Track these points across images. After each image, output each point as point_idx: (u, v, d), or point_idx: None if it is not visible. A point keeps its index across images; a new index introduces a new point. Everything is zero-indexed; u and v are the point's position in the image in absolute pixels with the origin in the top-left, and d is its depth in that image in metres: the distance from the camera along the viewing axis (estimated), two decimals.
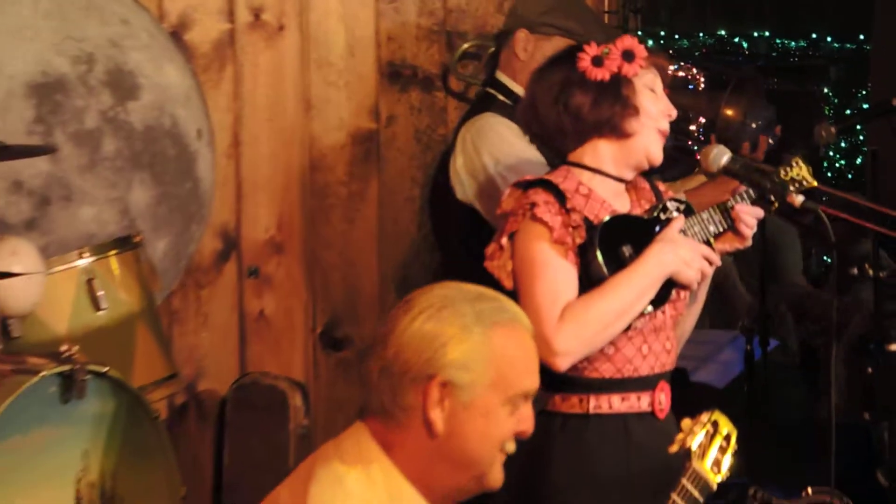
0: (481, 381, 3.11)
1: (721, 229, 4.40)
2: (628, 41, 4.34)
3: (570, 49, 4.45)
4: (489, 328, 3.12)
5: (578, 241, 4.27)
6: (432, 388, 3.10)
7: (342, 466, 3.12)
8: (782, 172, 4.36)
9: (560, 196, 4.29)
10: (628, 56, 4.30)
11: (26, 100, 5.92)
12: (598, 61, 4.30)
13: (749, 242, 4.44)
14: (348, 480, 3.10)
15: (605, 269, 4.26)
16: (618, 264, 4.28)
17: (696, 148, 4.85)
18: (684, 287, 4.39)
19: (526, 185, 4.39)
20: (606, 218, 4.29)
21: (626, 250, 4.28)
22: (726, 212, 4.40)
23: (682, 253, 4.29)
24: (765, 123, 4.87)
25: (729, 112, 4.52)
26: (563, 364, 4.20)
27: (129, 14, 6.10)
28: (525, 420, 3.19)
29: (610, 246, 4.28)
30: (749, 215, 4.37)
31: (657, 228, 4.34)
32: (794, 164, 4.38)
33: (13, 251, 5.22)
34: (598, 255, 4.24)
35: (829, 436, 4.22)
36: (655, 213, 4.37)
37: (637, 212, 4.43)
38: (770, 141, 5.38)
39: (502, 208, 4.44)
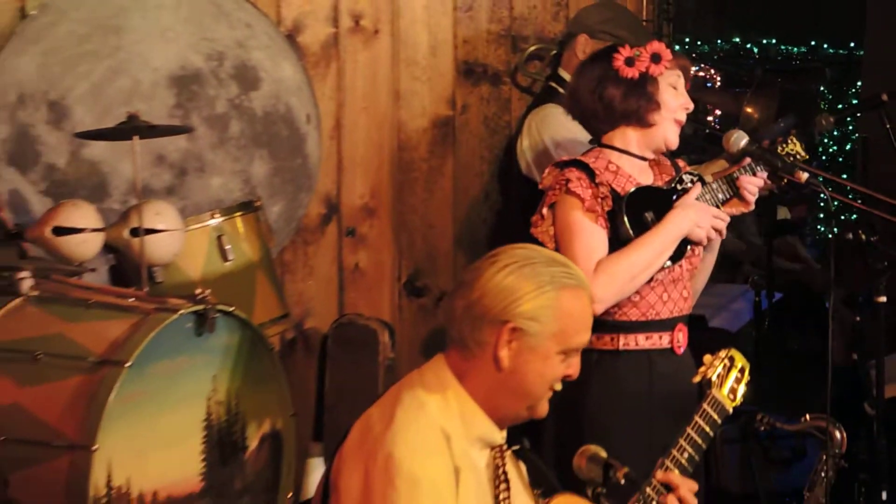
0: (546, 333, 3.09)
1: (728, 196, 4.42)
2: (656, 46, 4.37)
3: (608, 48, 4.46)
4: (559, 289, 3.11)
5: (607, 208, 4.30)
6: (504, 332, 3.08)
7: (424, 392, 3.11)
8: (780, 148, 4.38)
9: (590, 173, 4.31)
10: (655, 58, 4.32)
11: (168, 89, 5.94)
12: (630, 62, 4.32)
13: (752, 207, 4.45)
14: (428, 404, 3.09)
15: (630, 232, 4.29)
16: (642, 227, 4.31)
17: (717, 135, 4.78)
18: (698, 244, 4.41)
19: (563, 165, 4.42)
20: (632, 189, 4.31)
21: (649, 216, 4.31)
22: (732, 182, 4.42)
23: (696, 216, 4.32)
24: (787, 125, 4.83)
25: (749, 110, 4.51)
26: (598, 309, 4.14)
27: (252, 20, 6.10)
28: (574, 367, 3.18)
29: (635, 212, 4.30)
30: (751, 184, 4.40)
31: (675, 197, 4.37)
32: (789, 140, 4.41)
33: (157, 212, 5.24)
34: (626, 219, 4.28)
35: (826, 373, 4.21)
36: (673, 185, 4.40)
37: (658, 184, 4.42)
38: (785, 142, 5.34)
39: (543, 184, 4.46)
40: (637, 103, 4.34)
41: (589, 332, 3.22)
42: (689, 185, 4.39)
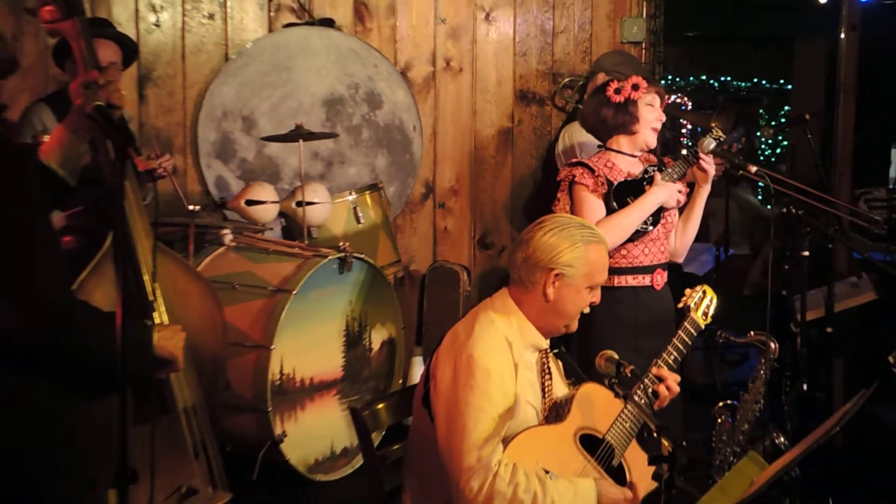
0: (578, 275, 3.08)
1: (683, 172, 4.33)
2: (635, 79, 4.30)
3: (603, 85, 4.40)
4: (587, 245, 3.09)
5: (603, 191, 4.24)
6: (550, 276, 3.07)
7: (493, 313, 3.10)
8: (714, 132, 4.32)
9: (590, 169, 4.26)
10: (635, 87, 4.26)
11: (322, 108, 5.95)
12: (617, 91, 4.27)
13: (713, 172, 4.34)
14: (496, 321, 3.07)
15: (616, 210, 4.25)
16: (624, 206, 4.24)
17: (688, 141, 4.72)
18: (670, 209, 4.34)
19: (571, 165, 4.37)
20: (616, 183, 4.25)
21: (630, 199, 4.24)
22: (684, 164, 4.32)
23: (665, 191, 4.24)
24: (738, 136, 4.78)
25: (713, 124, 4.44)
26: None
27: (378, 62, 6.08)
28: (596, 296, 3.16)
29: (620, 197, 4.24)
30: (704, 161, 4.29)
31: (644, 184, 4.29)
32: (713, 128, 4.34)
33: (314, 190, 5.27)
34: (614, 204, 4.22)
35: (765, 303, 4.17)
36: (642, 176, 4.33)
37: (634, 175, 4.35)
38: (739, 145, 5.28)
39: (559, 177, 4.41)
40: (623, 119, 4.28)
41: (606, 274, 3.21)
42: (652, 173, 4.30)
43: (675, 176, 4.34)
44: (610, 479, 3.09)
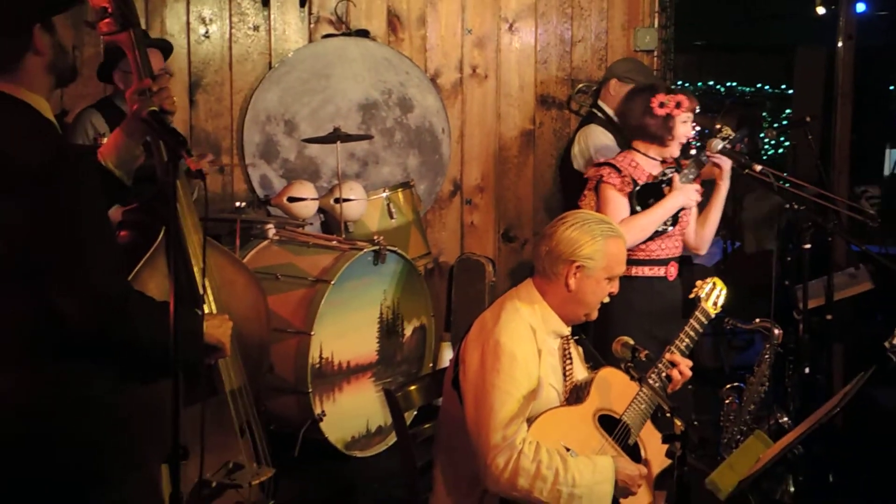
0: (598, 267, 3.05)
1: (697, 172, 4.28)
2: (680, 97, 4.22)
3: (650, 87, 4.34)
4: (606, 239, 3.06)
5: (629, 190, 4.20)
6: (572, 268, 3.04)
7: (518, 302, 3.08)
8: (724, 132, 4.27)
9: (617, 169, 4.23)
10: (678, 105, 4.20)
11: (357, 113, 5.94)
12: (661, 105, 4.21)
13: (727, 167, 4.29)
14: (521, 309, 3.06)
15: (639, 210, 4.22)
16: (646, 206, 4.22)
17: (696, 142, 4.67)
18: (687, 209, 4.31)
19: (598, 165, 4.34)
20: (638, 187, 4.21)
21: (651, 201, 4.20)
22: (697, 162, 4.28)
23: (685, 194, 4.21)
24: (741, 136, 4.72)
25: (718, 126, 4.39)
26: None
27: (409, 69, 6.06)
28: (615, 287, 3.13)
29: (642, 199, 4.20)
30: (717, 158, 4.26)
31: (662, 185, 4.24)
32: (721, 129, 4.29)
33: (351, 188, 5.25)
34: (637, 206, 4.19)
35: (770, 293, 4.14)
36: (661, 178, 4.28)
37: (654, 176, 4.30)
38: (742, 145, 5.23)
39: (587, 175, 4.39)
40: (660, 132, 4.22)
41: (624, 266, 3.18)
42: (670, 175, 4.25)
43: (691, 176, 4.30)
44: (626, 457, 3.06)
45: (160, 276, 2.96)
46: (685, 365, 3.22)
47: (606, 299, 3.16)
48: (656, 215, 4.20)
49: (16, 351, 2.42)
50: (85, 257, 2.38)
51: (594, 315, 3.18)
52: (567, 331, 3.17)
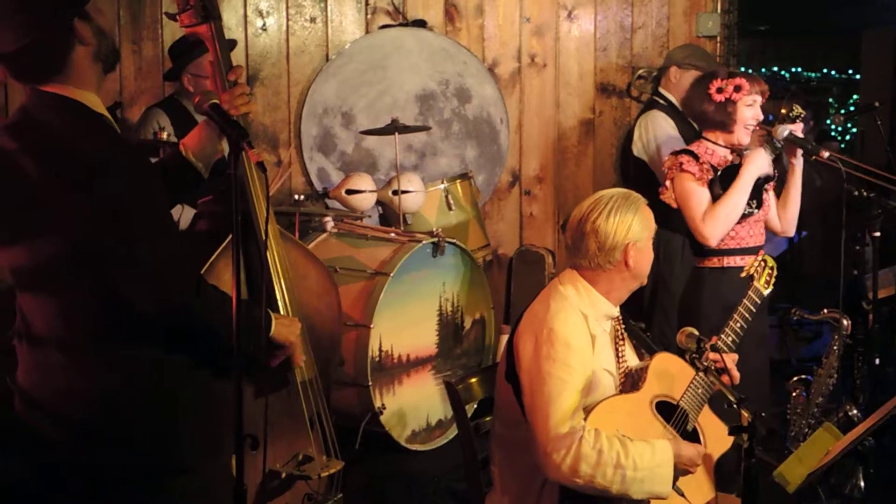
0: (645, 236, 3.07)
1: (773, 154, 4.23)
2: (739, 80, 4.18)
3: (710, 74, 4.31)
4: (638, 208, 3.06)
5: (709, 177, 4.17)
6: (629, 249, 3.04)
7: (564, 289, 3.06)
8: (793, 109, 4.23)
9: (695, 157, 4.19)
10: (737, 89, 4.15)
11: (415, 104, 5.97)
12: (719, 90, 4.17)
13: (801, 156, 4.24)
14: (570, 297, 3.05)
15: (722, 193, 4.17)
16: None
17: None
18: (766, 194, 4.26)
19: (676, 153, 4.29)
20: (720, 170, 4.17)
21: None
22: (772, 146, 4.21)
23: (753, 161, 4.15)
24: (805, 119, 4.66)
25: (784, 110, 4.34)
26: (713, 242, 4.15)
27: (467, 59, 6.07)
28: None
29: (725, 183, 4.15)
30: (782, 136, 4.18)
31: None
32: (794, 106, 4.24)
33: (409, 180, 5.27)
34: (720, 189, 4.14)
35: (839, 282, 4.11)
36: (739, 162, 4.23)
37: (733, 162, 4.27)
38: (807, 127, 5.16)
39: (665, 166, 4.32)
40: (721, 118, 4.19)
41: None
42: (745, 154, 4.19)
43: (770, 154, 4.25)
44: (685, 441, 3.06)
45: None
46: (731, 361, 3.19)
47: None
48: (737, 196, 4.13)
49: (86, 342, 2.49)
50: (147, 248, 2.44)
51: (646, 281, 3.18)
52: (617, 312, 3.18)
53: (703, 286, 4.24)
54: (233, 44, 5.13)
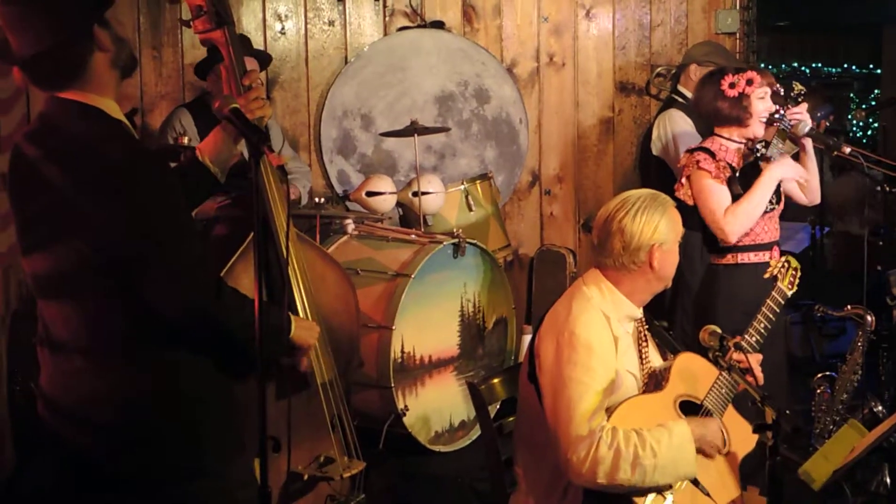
0: (671, 238, 3.04)
1: (784, 138, 4.18)
2: (750, 74, 4.15)
3: (720, 71, 4.28)
4: (665, 209, 3.04)
5: (726, 175, 4.13)
6: (654, 250, 3.03)
7: (587, 290, 3.05)
8: (795, 89, 4.20)
9: (712, 154, 4.16)
10: (749, 82, 4.13)
11: (434, 105, 5.98)
12: (731, 85, 4.14)
13: (806, 118, 4.19)
14: (593, 298, 3.03)
15: (742, 191, 4.12)
16: (748, 186, 4.13)
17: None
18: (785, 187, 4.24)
19: (692, 150, 4.26)
20: (738, 169, 4.14)
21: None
22: (780, 131, 4.18)
23: (780, 166, 4.11)
24: (825, 113, 4.63)
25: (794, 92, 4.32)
26: (732, 239, 4.12)
27: (485, 59, 6.08)
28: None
29: (746, 181, 4.12)
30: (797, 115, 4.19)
31: (760, 161, 4.15)
32: (794, 84, 4.23)
33: (428, 181, 5.27)
34: (739, 188, 4.10)
35: (862, 277, 4.08)
36: (757, 155, 4.19)
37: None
38: (827, 122, 5.13)
39: (681, 164, 4.30)
40: (737, 112, 4.15)
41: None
42: (762, 149, 4.14)
43: (781, 145, 4.21)
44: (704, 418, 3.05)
45: (254, 269, 3.01)
46: (755, 361, 3.18)
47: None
48: (759, 195, 4.10)
49: (109, 347, 2.50)
50: (169, 252, 2.45)
51: (670, 283, 3.17)
52: (640, 313, 3.16)
53: (717, 283, 4.22)
54: (266, 58, 5.16)
